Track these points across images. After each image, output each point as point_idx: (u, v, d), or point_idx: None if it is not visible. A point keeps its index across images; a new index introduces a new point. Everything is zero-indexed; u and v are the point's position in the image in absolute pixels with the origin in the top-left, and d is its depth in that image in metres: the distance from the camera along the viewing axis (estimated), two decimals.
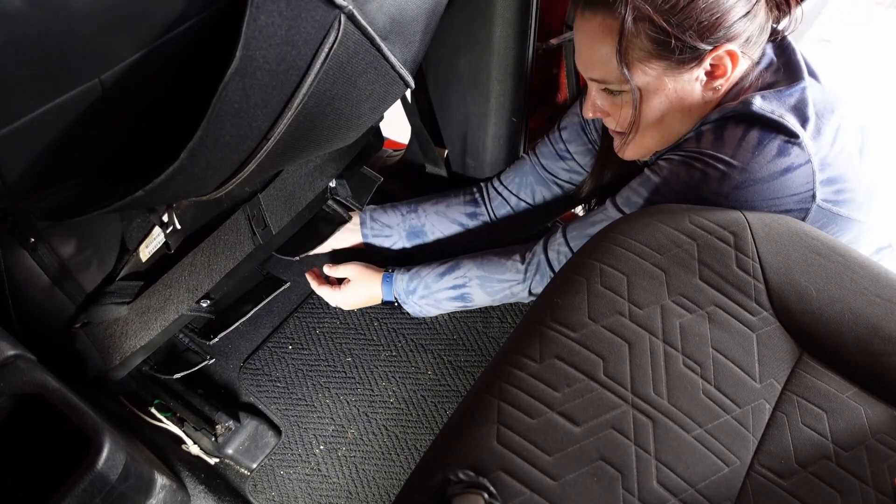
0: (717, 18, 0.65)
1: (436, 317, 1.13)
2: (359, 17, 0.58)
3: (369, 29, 0.60)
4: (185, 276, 0.95)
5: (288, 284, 1.20)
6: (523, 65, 0.94)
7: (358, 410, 1.09)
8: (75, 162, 0.56)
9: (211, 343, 1.13)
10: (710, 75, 0.70)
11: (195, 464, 1.01)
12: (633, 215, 0.75)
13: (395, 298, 1.02)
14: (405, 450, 1.05)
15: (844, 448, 0.70)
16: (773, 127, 0.66)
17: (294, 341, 1.16)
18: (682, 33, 0.66)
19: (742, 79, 0.72)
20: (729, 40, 0.68)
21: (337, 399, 1.10)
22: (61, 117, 0.50)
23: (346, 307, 1.07)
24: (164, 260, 0.94)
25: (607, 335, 0.75)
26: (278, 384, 1.13)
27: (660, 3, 0.65)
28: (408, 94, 1.11)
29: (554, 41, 0.96)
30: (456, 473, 0.65)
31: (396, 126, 1.34)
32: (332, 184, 1.16)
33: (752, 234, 0.81)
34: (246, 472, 1.06)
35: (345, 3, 0.56)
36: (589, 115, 0.78)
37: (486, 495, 0.63)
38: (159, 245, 0.91)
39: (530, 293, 0.92)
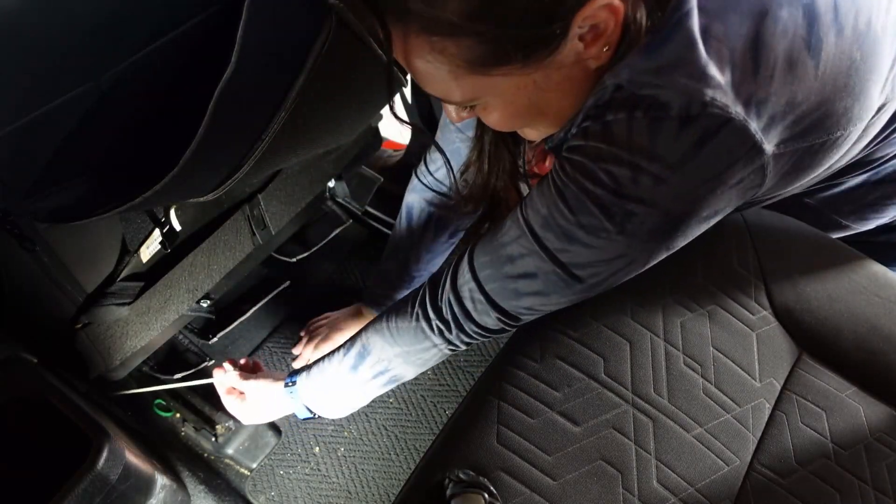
0: None
1: None
2: (350, 15, 0.58)
3: (360, 26, 0.60)
4: (185, 276, 0.95)
5: (287, 284, 1.20)
6: None
7: (357, 410, 1.09)
8: (75, 162, 0.56)
9: (211, 343, 1.13)
10: (589, 40, 0.49)
11: (195, 464, 1.01)
12: None
13: (311, 413, 0.82)
14: (405, 450, 1.05)
15: (844, 447, 0.70)
16: (661, 105, 0.47)
17: (294, 341, 1.16)
18: (508, 31, 0.46)
19: (627, 19, 0.48)
20: None
21: None
22: (61, 118, 0.50)
23: (247, 423, 0.90)
24: (165, 260, 0.94)
25: (608, 334, 0.75)
26: None
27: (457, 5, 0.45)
28: (408, 94, 1.11)
29: None
30: (456, 473, 0.65)
31: (396, 126, 1.34)
32: (332, 184, 1.16)
33: (750, 234, 0.81)
34: (246, 471, 1.06)
35: (336, 1, 0.56)
36: (455, 120, 0.62)
37: (486, 495, 0.63)
38: (160, 246, 0.91)
39: (465, 343, 0.70)
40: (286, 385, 0.81)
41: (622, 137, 0.49)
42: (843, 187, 0.77)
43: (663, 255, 0.58)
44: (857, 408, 0.73)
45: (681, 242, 0.57)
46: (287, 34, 0.55)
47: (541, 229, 0.57)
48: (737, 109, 0.46)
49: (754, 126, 0.47)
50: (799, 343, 0.77)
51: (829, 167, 0.58)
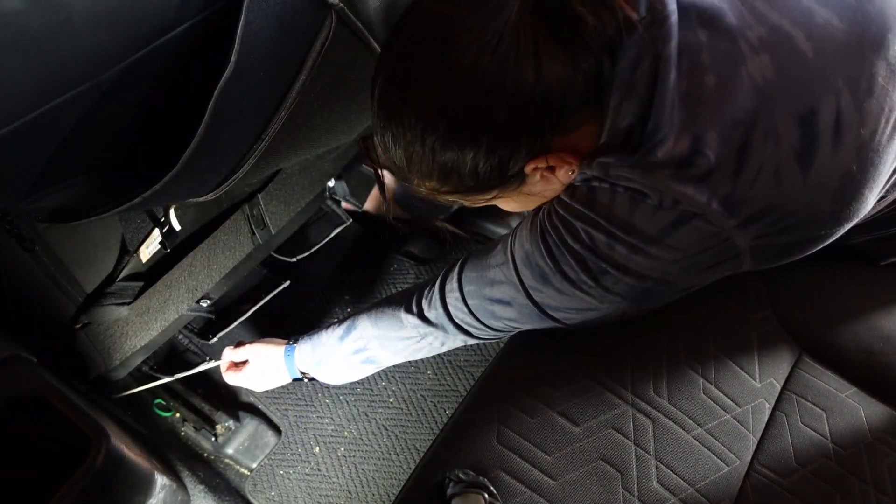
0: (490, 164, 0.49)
1: None
2: (349, 14, 0.58)
3: (359, 24, 0.60)
4: (184, 276, 0.95)
5: (287, 284, 1.20)
6: None
7: (358, 410, 1.09)
8: (74, 162, 0.56)
9: (210, 343, 1.13)
10: (551, 173, 0.53)
11: (195, 464, 1.01)
12: None
13: (303, 374, 0.85)
14: (405, 450, 1.05)
15: (844, 447, 0.70)
16: (638, 191, 0.50)
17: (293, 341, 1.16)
18: (470, 191, 0.54)
19: (601, 130, 0.50)
20: (537, 143, 0.49)
21: (336, 399, 1.10)
22: (61, 118, 0.50)
23: (257, 390, 0.92)
24: (164, 260, 0.94)
25: (608, 334, 0.75)
26: None
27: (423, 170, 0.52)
28: None
29: None
30: (456, 473, 0.65)
31: None
32: (331, 184, 1.16)
33: None
34: (246, 471, 1.06)
35: (336, 1, 0.56)
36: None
37: (486, 495, 0.63)
38: (159, 245, 0.91)
39: (442, 343, 0.72)
40: (289, 343, 0.86)
41: (604, 206, 0.52)
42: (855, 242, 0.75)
43: (633, 315, 0.61)
44: (857, 408, 0.73)
45: (653, 305, 0.60)
46: (287, 34, 0.55)
47: (521, 264, 0.60)
48: (712, 206, 0.48)
49: (729, 222, 0.49)
50: (799, 343, 0.77)
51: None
